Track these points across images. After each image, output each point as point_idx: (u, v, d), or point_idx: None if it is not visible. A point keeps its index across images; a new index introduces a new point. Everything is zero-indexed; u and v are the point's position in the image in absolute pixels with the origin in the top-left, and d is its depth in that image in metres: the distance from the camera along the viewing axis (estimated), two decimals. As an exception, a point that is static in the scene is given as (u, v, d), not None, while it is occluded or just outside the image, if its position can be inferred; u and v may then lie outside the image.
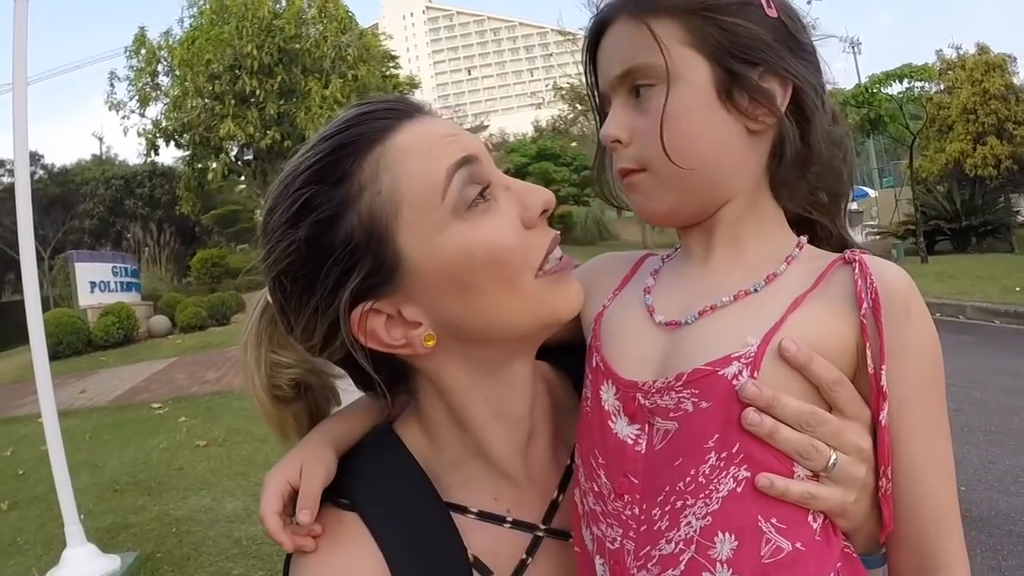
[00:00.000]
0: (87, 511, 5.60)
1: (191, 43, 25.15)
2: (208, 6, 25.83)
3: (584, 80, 1.10)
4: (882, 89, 19.70)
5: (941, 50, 24.65)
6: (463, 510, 1.04)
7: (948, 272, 15.04)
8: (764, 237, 0.99)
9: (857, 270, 0.90)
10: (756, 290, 0.93)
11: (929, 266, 17.11)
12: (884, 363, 0.86)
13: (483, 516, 1.04)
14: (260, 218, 1.03)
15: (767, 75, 0.94)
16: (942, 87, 24.09)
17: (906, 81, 20.96)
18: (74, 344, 17.00)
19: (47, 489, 5.90)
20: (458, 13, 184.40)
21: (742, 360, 0.86)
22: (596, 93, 1.07)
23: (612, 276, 1.12)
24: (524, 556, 1.03)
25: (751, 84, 0.93)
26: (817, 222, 1.05)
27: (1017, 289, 12.71)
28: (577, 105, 37.48)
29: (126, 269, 21.84)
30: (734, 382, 0.85)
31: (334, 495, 1.03)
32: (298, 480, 1.01)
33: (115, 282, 20.61)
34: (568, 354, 1.11)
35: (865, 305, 0.87)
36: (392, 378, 1.05)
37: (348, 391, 1.17)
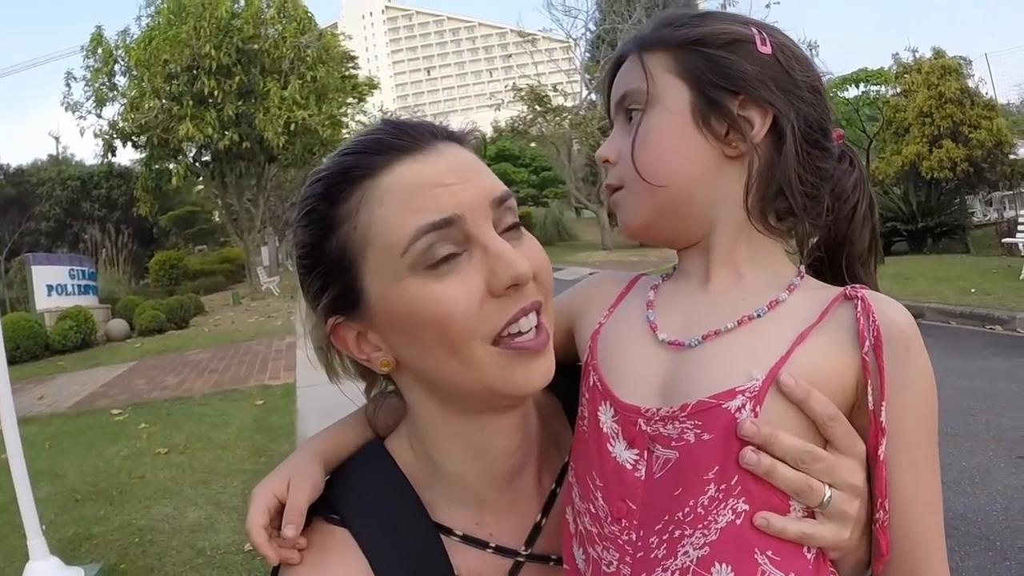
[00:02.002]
0: (48, 521, 5.53)
1: (148, 43, 24.79)
2: (166, 6, 25.47)
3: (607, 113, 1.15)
4: (838, 93, 19.92)
5: (898, 54, 24.99)
6: (448, 531, 1.05)
7: (905, 273, 15.17)
8: (762, 265, 1.02)
9: (860, 308, 0.91)
10: (759, 315, 0.95)
11: (886, 267, 17.10)
12: (884, 400, 0.88)
13: (467, 540, 1.05)
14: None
15: (747, 104, 0.98)
16: (898, 90, 24.40)
17: (862, 85, 21.27)
18: (31, 349, 16.75)
19: (7, 499, 5.79)
20: (417, 13, 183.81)
21: (746, 394, 0.87)
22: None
23: (606, 294, 1.14)
24: None
25: (728, 112, 0.98)
26: (832, 271, 1.07)
27: (972, 290, 12.90)
28: (536, 107, 37.45)
29: (83, 272, 21.53)
30: (737, 415, 0.86)
31: (325, 510, 1.04)
32: (285, 494, 1.02)
33: (72, 285, 20.33)
34: (561, 375, 1.10)
35: (867, 343, 0.89)
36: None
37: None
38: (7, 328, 15.19)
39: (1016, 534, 4.75)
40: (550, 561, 1.06)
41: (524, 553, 1.06)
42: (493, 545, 1.05)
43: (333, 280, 0.99)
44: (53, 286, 19.54)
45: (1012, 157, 23.81)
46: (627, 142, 1.03)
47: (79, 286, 20.72)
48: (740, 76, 0.98)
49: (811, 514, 0.89)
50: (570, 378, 1.09)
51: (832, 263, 1.07)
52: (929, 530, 0.93)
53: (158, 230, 39.17)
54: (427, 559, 1.02)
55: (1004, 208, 25.68)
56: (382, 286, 0.95)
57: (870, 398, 0.89)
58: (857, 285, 0.95)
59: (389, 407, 1.14)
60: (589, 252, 31.01)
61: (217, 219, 40.83)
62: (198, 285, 30.48)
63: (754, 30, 1.01)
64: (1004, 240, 16.88)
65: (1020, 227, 14.80)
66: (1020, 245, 14.32)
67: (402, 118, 1.07)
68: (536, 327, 0.96)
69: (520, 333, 0.95)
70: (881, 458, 0.89)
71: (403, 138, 0.98)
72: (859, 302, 0.92)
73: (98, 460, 8.26)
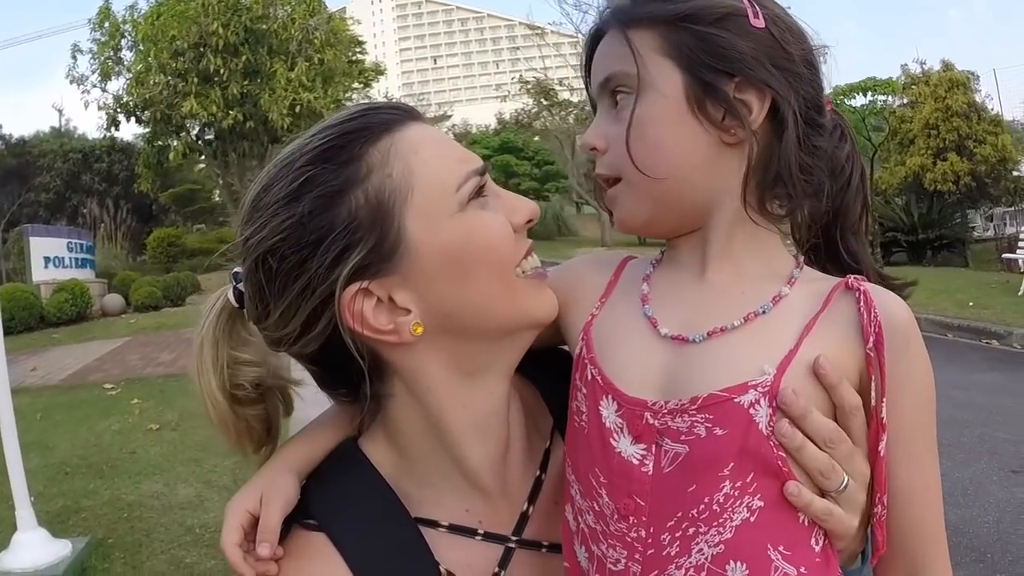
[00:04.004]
0: (37, 493, 5.51)
1: (156, 18, 24.76)
2: (174, -19, 25.44)
3: (587, 91, 1.10)
4: (845, 101, 19.93)
5: (906, 64, 24.98)
6: (434, 524, 1.04)
7: None
8: (760, 255, 1.00)
9: (861, 301, 0.90)
10: (764, 311, 0.93)
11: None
12: (885, 396, 0.88)
13: (454, 529, 1.04)
14: (249, 197, 1.01)
15: (744, 86, 0.94)
16: (905, 101, 24.40)
17: (869, 94, 21.27)
18: (26, 320, 16.66)
19: (-3, 470, 5.79)
20: (427, 1, 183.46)
21: (759, 388, 0.86)
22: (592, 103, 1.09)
23: (594, 282, 1.11)
24: (497, 569, 1.03)
25: (724, 96, 0.93)
26: (826, 244, 1.06)
27: (970, 304, 12.92)
28: (542, 100, 37.46)
29: (81, 245, 21.49)
30: (751, 411, 0.86)
31: (301, 516, 1.03)
32: (259, 509, 1.01)
33: (70, 258, 20.29)
34: (530, 360, 1.10)
35: (871, 339, 0.88)
36: (363, 380, 1.02)
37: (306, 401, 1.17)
38: (3, 298, 15.18)
39: (1007, 547, 4.77)
40: (542, 547, 1.06)
41: (514, 539, 1.05)
42: (483, 532, 1.04)
43: (363, 235, 0.94)
44: (51, 258, 19.49)
45: (1015, 174, 23.86)
46: (616, 129, 0.99)
47: (76, 259, 20.69)
48: (735, 56, 0.93)
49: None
50: (545, 365, 1.12)
51: (826, 235, 1.06)
52: (931, 521, 0.94)
53: (157, 207, 39.09)
54: (409, 556, 1.01)
55: (1005, 224, 25.73)
56: (431, 224, 0.96)
57: (872, 393, 0.88)
58: (858, 276, 0.94)
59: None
60: (589, 248, 30.86)
61: (217, 198, 40.79)
62: (195, 264, 30.37)
63: (745, 2, 0.95)
64: (1004, 256, 16.91)
65: (1021, 243, 14.80)
66: (1020, 261, 14.34)
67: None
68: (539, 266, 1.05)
69: (533, 268, 1.04)
70: (881, 454, 0.89)
71: (399, 109, 1.04)
72: (861, 295, 0.91)
73: (89, 434, 8.24)
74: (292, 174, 0.96)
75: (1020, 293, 13.54)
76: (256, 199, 0.99)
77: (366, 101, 1.11)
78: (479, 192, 0.99)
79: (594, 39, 1.04)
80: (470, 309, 0.98)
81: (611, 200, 1.04)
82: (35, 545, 4.73)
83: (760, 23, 0.94)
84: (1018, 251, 14.64)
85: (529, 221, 1.04)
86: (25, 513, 4.78)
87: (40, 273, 18.95)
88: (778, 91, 0.93)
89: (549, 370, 1.14)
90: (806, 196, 0.98)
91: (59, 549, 4.83)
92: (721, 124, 0.94)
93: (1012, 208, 25.63)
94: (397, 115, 1.01)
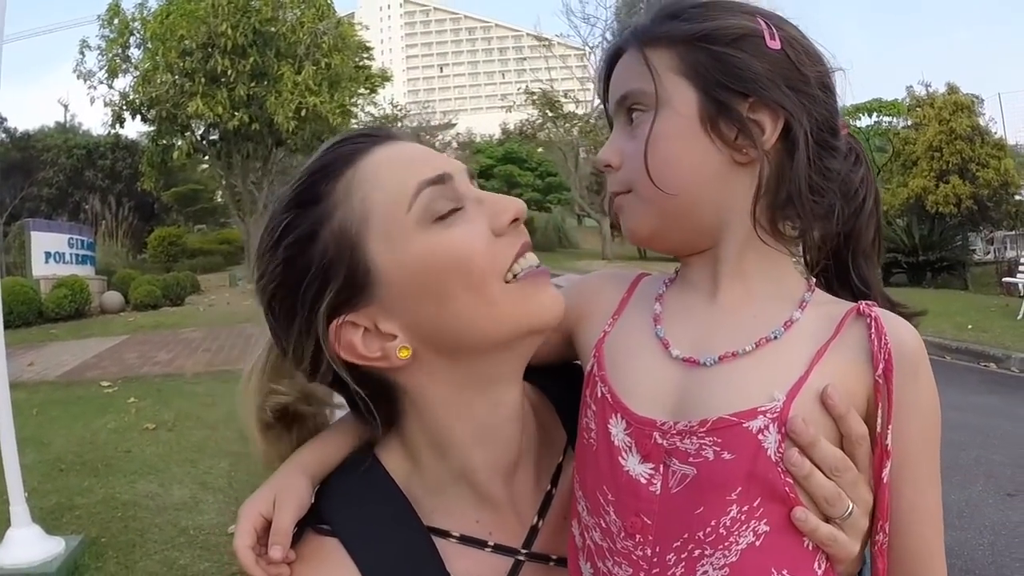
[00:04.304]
0: (31, 489, 5.48)
1: (165, 17, 24.66)
2: (184, -20, 25.43)
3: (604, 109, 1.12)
4: (851, 121, 19.94)
5: (911, 86, 25.01)
6: (445, 534, 1.04)
7: None
8: (771, 277, 1.00)
9: (873, 328, 0.90)
10: (776, 337, 0.93)
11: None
12: (891, 423, 0.88)
13: (465, 540, 1.04)
14: (256, 244, 1.07)
15: (758, 107, 0.95)
16: (909, 123, 24.43)
17: (875, 115, 21.32)
18: (25, 315, 16.63)
19: (-8, 464, 5.78)
20: (435, 9, 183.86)
21: (768, 414, 0.86)
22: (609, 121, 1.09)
23: (608, 298, 1.11)
24: None
25: (738, 115, 0.94)
26: (836, 267, 1.06)
27: (969, 327, 12.94)
28: (547, 111, 37.52)
29: (82, 242, 21.48)
30: (760, 437, 0.86)
31: (314, 520, 1.03)
32: (271, 512, 1.01)
33: (70, 254, 20.28)
34: (547, 375, 1.10)
35: (880, 366, 0.88)
36: (376, 398, 1.05)
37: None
38: (3, 292, 15.13)
39: (1001, 570, 4.80)
40: (550, 561, 1.06)
41: (524, 552, 1.05)
42: (492, 544, 1.04)
43: (334, 272, 0.97)
44: (51, 253, 19.48)
45: (1017, 198, 23.88)
46: (631, 145, 1.00)
47: (77, 255, 20.68)
48: (750, 76, 0.94)
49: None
50: (562, 380, 1.11)
51: (837, 258, 1.06)
52: (932, 545, 0.94)
53: (159, 206, 39.02)
54: (420, 564, 1.01)
55: (1005, 248, 25.76)
56: (392, 250, 0.96)
57: (879, 420, 0.88)
58: (870, 302, 0.94)
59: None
60: (589, 260, 30.97)
61: (219, 199, 40.75)
62: (196, 264, 30.37)
63: (762, 23, 0.96)
64: (1004, 279, 16.93)
65: (1021, 267, 14.81)
66: (1020, 285, 14.35)
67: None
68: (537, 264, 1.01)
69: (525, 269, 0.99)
70: (885, 481, 0.89)
71: (372, 133, 1.05)
72: (872, 321, 0.91)
73: (85, 431, 8.25)
74: (274, 222, 1.02)
75: (1019, 317, 13.59)
76: (258, 246, 1.04)
77: (339, 136, 1.09)
78: (452, 208, 0.97)
79: (613, 58, 1.05)
80: (453, 327, 0.98)
81: (619, 208, 1.04)
82: (28, 542, 4.74)
83: (776, 44, 0.95)
84: (1018, 275, 14.67)
85: (515, 220, 1.00)
86: (19, 509, 4.78)
87: (40, 268, 18.94)
88: (791, 112, 0.94)
89: (565, 385, 1.13)
90: (817, 218, 0.98)
91: (52, 547, 4.83)
92: (733, 143, 0.95)
93: (1013, 232, 25.65)
94: (361, 143, 1.02)
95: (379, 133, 1.05)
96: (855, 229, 1.04)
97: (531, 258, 1.01)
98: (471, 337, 0.98)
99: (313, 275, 0.98)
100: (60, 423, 8.60)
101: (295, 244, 0.98)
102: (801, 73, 0.96)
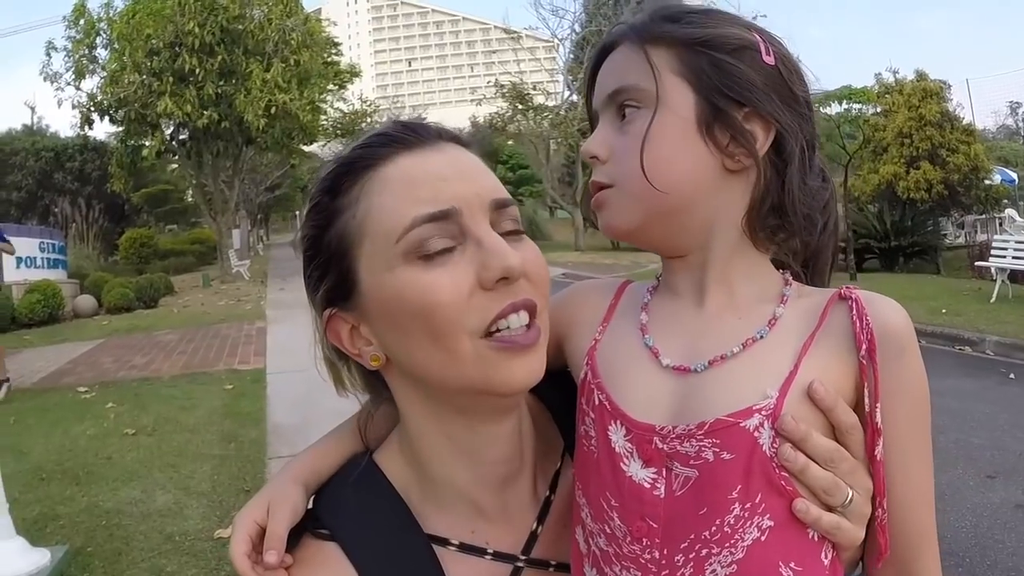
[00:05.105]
0: (12, 500, 5.41)
1: (131, 16, 24.48)
2: (150, -21, 25.19)
3: (585, 101, 1.12)
4: (821, 109, 20.06)
5: (880, 73, 25.20)
6: (444, 542, 1.03)
7: (877, 290, 15.03)
8: (752, 278, 1.01)
9: (854, 309, 0.92)
10: (762, 336, 0.95)
11: (858, 283, 17.44)
12: (878, 402, 0.89)
13: (464, 548, 1.03)
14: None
15: (752, 117, 0.96)
16: (879, 110, 24.60)
17: (844, 103, 21.45)
18: (-3, 321, 16.51)
19: (-29, 476, 5.71)
20: (402, 3, 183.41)
21: (763, 412, 0.88)
22: (591, 114, 1.09)
23: (595, 306, 1.12)
24: None
25: (733, 122, 0.96)
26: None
27: (943, 311, 13.04)
28: (517, 104, 37.46)
29: (53, 245, 21.33)
30: (755, 434, 0.87)
31: (313, 525, 1.04)
32: (266, 519, 1.02)
33: (41, 258, 20.14)
34: (543, 381, 1.09)
35: (864, 347, 0.90)
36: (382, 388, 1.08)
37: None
38: (-27, 299, 14.97)
39: (985, 551, 4.86)
40: (550, 567, 1.06)
41: (523, 559, 1.05)
42: (492, 551, 1.04)
43: (330, 269, 1.00)
44: (22, 258, 19.24)
45: (987, 182, 24.11)
46: (622, 140, 1.00)
47: (48, 259, 20.52)
48: (747, 86, 0.96)
49: None
50: (556, 385, 1.09)
51: (802, 275, 1.07)
52: (924, 524, 0.95)
53: (130, 207, 38.76)
54: (419, 570, 1.01)
55: (976, 232, 26.01)
56: (375, 274, 0.96)
57: (866, 400, 0.90)
58: (850, 286, 0.96)
59: (381, 416, 1.13)
60: (562, 252, 30.90)
61: (190, 199, 40.55)
62: (168, 265, 30.23)
63: (758, 37, 0.99)
64: (976, 263, 17.08)
65: (994, 251, 14.95)
66: (992, 268, 14.47)
67: (412, 119, 1.08)
68: (527, 325, 0.94)
69: (509, 330, 0.93)
70: (878, 458, 0.90)
71: (408, 134, 1.01)
72: (853, 303, 0.92)
73: (64, 439, 8.14)
74: (311, 196, 1.04)
75: (992, 300, 13.73)
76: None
77: (396, 120, 1.03)
78: (448, 245, 0.93)
79: (605, 51, 1.05)
80: (415, 363, 0.98)
81: (599, 203, 1.04)
82: (13, 554, 4.68)
83: (771, 60, 0.98)
84: (990, 258, 14.79)
85: (504, 279, 0.92)
86: (4, 521, 4.73)
87: (11, 273, 18.64)
88: (783, 124, 0.97)
89: (561, 391, 1.12)
90: (800, 229, 1.01)
91: (38, 558, 4.77)
92: (726, 149, 0.96)
93: (983, 216, 25.90)
94: (393, 145, 1.00)
95: (413, 135, 1.01)
96: (818, 247, 1.06)
97: (521, 318, 0.94)
98: (430, 378, 0.98)
99: (317, 263, 1.02)
100: (38, 431, 8.48)
101: (314, 227, 1.02)
102: (791, 91, 0.99)
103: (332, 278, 1.00)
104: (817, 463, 0.88)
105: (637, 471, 0.93)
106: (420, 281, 0.92)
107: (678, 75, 0.97)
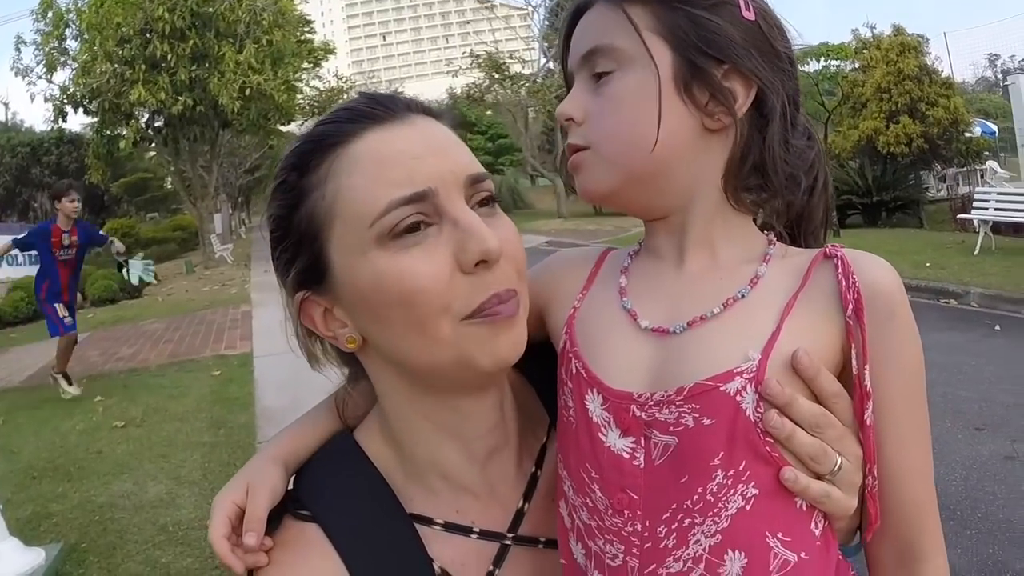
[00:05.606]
0: (5, 500, 5.41)
1: (100, 6, 24.11)
2: (117, -33, 24.86)
3: (560, 64, 1.09)
4: (800, 66, 20.00)
5: (857, 29, 25.10)
6: (428, 521, 1.02)
7: (861, 246, 14.61)
8: (734, 239, 0.99)
9: (840, 269, 0.90)
10: (743, 296, 0.93)
11: (842, 239, 17.16)
12: (867, 363, 0.87)
13: (449, 527, 1.02)
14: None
15: (731, 74, 0.94)
16: (857, 65, 24.55)
17: (823, 59, 21.40)
18: (-19, 320, 16.39)
19: (-37, 477, 5.70)
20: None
21: (744, 375, 0.86)
22: (566, 77, 1.06)
23: (575, 275, 1.10)
24: (491, 567, 1.02)
25: (712, 80, 0.93)
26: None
27: (927, 265, 13.09)
28: (493, 74, 37.25)
29: (34, 242, 21.10)
30: (738, 398, 0.85)
31: (294, 506, 1.03)
32: (245, 501, 1.00)
33: (24, 255, 19.91)
34: (526, 354, 1.07)
35: (850, 307, 0.88)
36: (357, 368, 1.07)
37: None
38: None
39: (976, 504, 4.90)
40: (538, 543, 1.04)
41: (510, 536, 1.04)
42: (478, 530, 1.03)
43: (300, 252, 0.97)
44: (4, 256, 19.10)
45: (967, 135, 24.12)
46: (597, 102, 0.97)
47: (30, 256, 20.27)
48: (726, 43, 0.93)
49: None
50: (539, 359, 1.07)
51: (788, 237, 1.06)
52: (922, 494, 0.94)
53: (109, 197, 38.54)
54: (402, 551, 1.00)
55: (957, 184, 26.04)
56: (348, 258, 0.93)
57: (854, 362, 0.88)
58: (836, 244, 0.94)
59: (360, 395, 1.11)
60: (545, 220, 30.86)
61: (169, 186, 40.27)
62: (150, 253, 29.91)
63: None
64: (959, 216, 17.11)
65: (976, 203, 14.98)
66: (975, 221, 14.51)
67: (379, 91, 1.04)
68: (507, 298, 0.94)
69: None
70: (868, 423, 0.88)
71: (376, 108, 0.97)
72: (839, 262, 0.90)
73: (54, 435, 8.11)
74: (278, 172, 1.00)
75: (975, 252, 13.75)
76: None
77: (362, 94, 1.00)
78: (421, 221, 0.91)
79: (578, 12, 1.02)
80: (393, 349, 0.97)
81: (576, 166, 1.01)
82: (8, 555, 4.67)
83: (751, 15, 0.95)
84: (973, 211, 14.82)
85: (482, 263, 0.91)
86: (-3, 523, 4.71)
87: (-7, 271, 18.62)
88: (764, 82, 0.94)
89: (545, 365, 1.09)
90: (782, 189, 0.98)
91: (33, 558, 4.77)
92: (705, 108, 0.94)
93: (964, 169, 25.92)
94: (358, 124, 0.96)
95: (382, 109, 0.97)
96: (807, 208, 1.04)
97: (508, 308, 0.93)
98: (411, 362, 0.97)
99: (286, 245, 0.99)
100: (28, 429, 8.46)
101: (281, 206, 0.98)
102: (772, 46, 0.96)
103: (303, 261, 0.97)
104: (803, 429, 0.86)
105: (615, 441, 0.92)
106: (397, 266, 0.90)
107: (655, 33, 0.94)
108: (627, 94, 0.95)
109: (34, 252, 20.36)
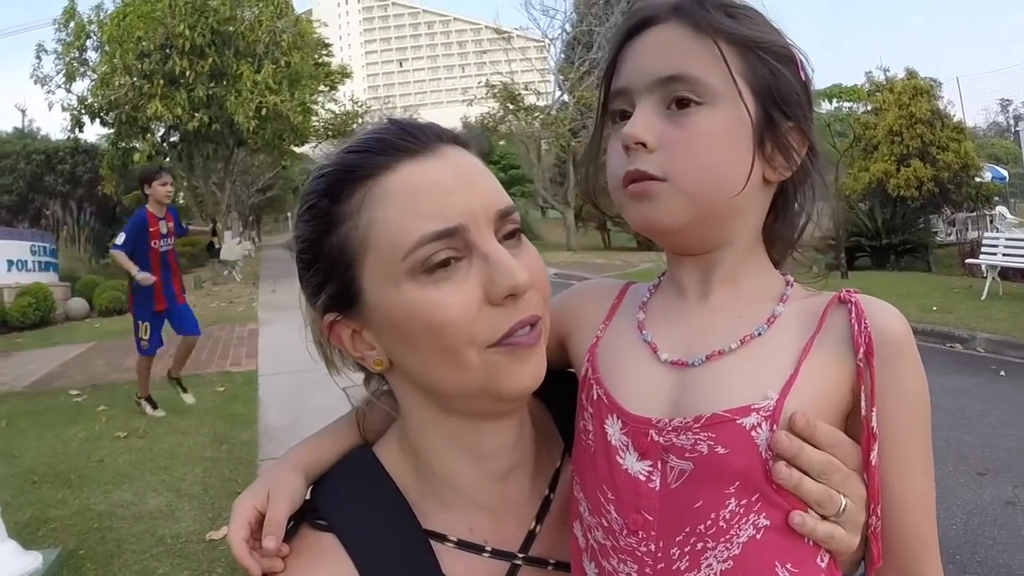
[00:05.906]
0: (4, 503, 5.40)
1: (122, 19, 24.31)
2: (140, -18, 25.06)
3: (604, 75, 1.07)
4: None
5: (870, 72, 25.25)
6: (442, 538, 1.04)
7: (868, 288, 14.78)
8: (756, 277, 1.02)
9: (853, 313, 0.92)
10: (760, 333, 0.95)
11: (849, 281, 17.43)
12: (875, 406, 0.90)
13: (462, 545, 1.04)
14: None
15: (793, 131, 0.97)
16: (869, 108, 24.64)
17: (835, 101, 21.49)
18: (-12, 325, 16.45)
19: (-37, 479, 5.70)
20: (393, 3, 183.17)
21: (761, 412, 0.88)
22: (607, 85, 1.05)
23: (599, 305, 1.13)
24: None
25: (781, 133, 0.96)
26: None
27: (934, 308, 13.06)
28: (508, 104, 37.34)
29: (44, 248, 21.23)
30: (753, 433, 0.88)
31: (311, 516, 1.04)
32: (265, 506, 1.02)
33: (33, 261, 20.03)
34: (545, 382, 1.07)
35: (861, 350, 0.90)
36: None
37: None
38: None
39: (975, 548, 4.88)
40: (548, 565, 1.06)
41: (521, 557, 1.05)
42: (490, 549, 1.04)
43: (332, 277, 1.00)
44: (14, 261, 19.22)
45: (977, 180, 24.15)
46: (678, 133, 0.94)
47: (40, 262, 20.43)
48: (795, 100, 0.96)
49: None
50: (557, 386, 1.09)
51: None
52: (924, 530, 0.95)
53: (121, 209, 38.53)
54: (416, 565, 1.01)
55: (967, 229, 26.04)
56: (380, 287, 0.96)
57: (863, 404, 0.90)
58: (851, 289, 0.96)
59: (379, 411, 1.13)
60: (554, 252, 30.82)
61: (182, 201, 40.32)
62: (160, 267, 29.99)
63: (798, 54, 0.99)
64: (967, 261, 17.10)
65: (984, 248, 14.97)
66: (983, 266, 14.49)
67: (407, 118, 1.06)
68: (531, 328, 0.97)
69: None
70: (873, 464, 0.90)
71: (407, 139, 0.98)
72: (852, 307, 0.93)
73: (56, 442, 8.12)
74: (306, 195, 1.03)
75: (983, 297, 13.74)
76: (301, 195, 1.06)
77: (393, 120, 1.00)
78: (453, 257, 0.94)
79: (642, 24, 1.00)
80: (422, 375, 1.00)
81: (644, 194, 0.96)
82: (5, 558, 4.66)
83: (803, 77, 0.99)
84: (981, 256, 14.80)
85: (511, 296, 0.94)
86: (-4, 524, 4.71)
87: (3, 277, 18.68)
88: (812, 141, 0.98)
89: (563, 392, 1.12)
90: (802, 232, 1.05)
91: (30, 562, 4.76)
92: (768, 159, 0.97)
93: (974, 213, 25.94)
94: (390, 156, 0.97)
95: (414, 142, 0.98)
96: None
97: (529, 331, 0.97)
98: (438, 387, 1.00)
99: (316, 270, 1.01)
100: (30, 434, 8.46)
101: (312, 230, 1.01)
102: (811, 108, 1.00)
103: (334, 286, 1.00)
104: (810, 476, 0.88)
105: (632, 464, 0.94)
106: (428, 299, 0.93)
107: (741, 76, 0.94)
108: (718, 133, 0.94)
109: (46, 258, 20.48)
